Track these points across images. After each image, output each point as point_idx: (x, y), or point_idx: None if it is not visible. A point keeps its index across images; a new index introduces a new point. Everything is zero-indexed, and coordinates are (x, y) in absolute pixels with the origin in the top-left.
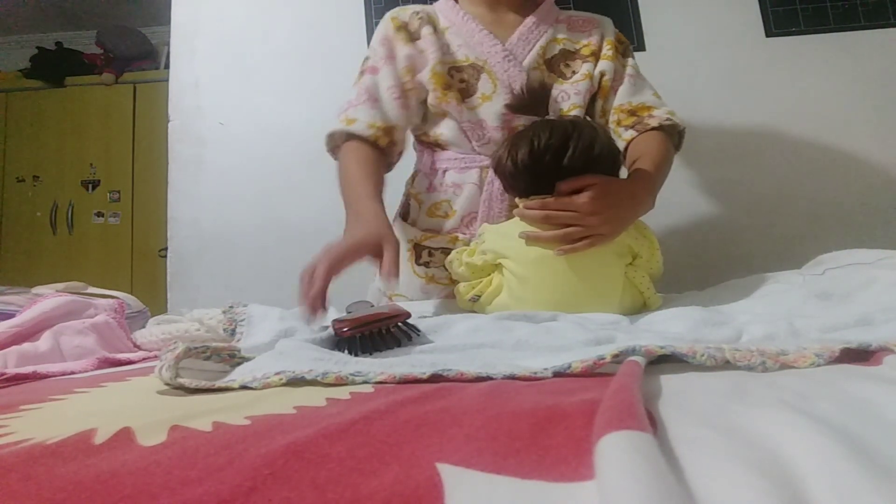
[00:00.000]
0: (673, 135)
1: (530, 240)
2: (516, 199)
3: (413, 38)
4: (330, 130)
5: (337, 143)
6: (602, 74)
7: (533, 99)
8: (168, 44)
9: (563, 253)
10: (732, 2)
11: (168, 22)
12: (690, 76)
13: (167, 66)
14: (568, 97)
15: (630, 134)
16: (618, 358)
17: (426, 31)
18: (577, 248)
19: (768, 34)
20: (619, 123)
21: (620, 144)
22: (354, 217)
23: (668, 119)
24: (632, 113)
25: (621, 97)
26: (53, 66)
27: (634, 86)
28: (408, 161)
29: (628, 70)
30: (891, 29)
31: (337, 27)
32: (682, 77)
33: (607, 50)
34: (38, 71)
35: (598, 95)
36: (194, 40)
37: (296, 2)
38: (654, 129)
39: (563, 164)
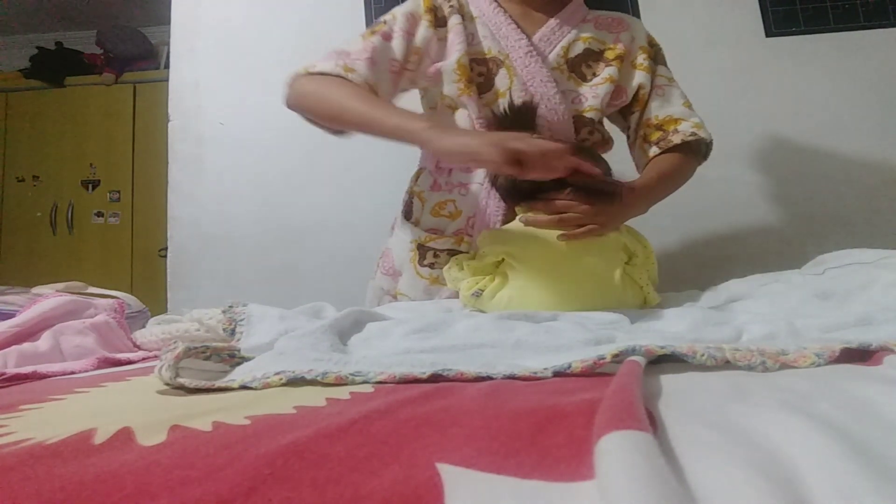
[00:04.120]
0: (698, 149)
1: (529, 223)
2: (518, 207)
3: (439, 23)
4: (322, 69)
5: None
6: (640, 87)
7: (517, 119)
8: (168, 44)
9: (565, 238)
10: (732, 2)
11: (168, 22)
12: (691, 76)
13: (167, 66)
14: (586, 100)
15: (654, 151)
16: (618, 358)
17: (455, 20)
18: (576, 235)
19: (768, 34)
20: (645, 139)
21: (643, 161)
22: (435, 125)
23: (692, 134)
24: (658, 127)
25: (651, 110)
26: (53, 66)
27: (664, 97)
28: (411, 160)
29: (659, 80)
30: (891, 29)
31: (337, 27)
32: (682, 77)
33: (642, 59)
34: (38, 71)
35: (634, 107)
36: (194, 40)
37: (296, 2)
38: (676, 146)
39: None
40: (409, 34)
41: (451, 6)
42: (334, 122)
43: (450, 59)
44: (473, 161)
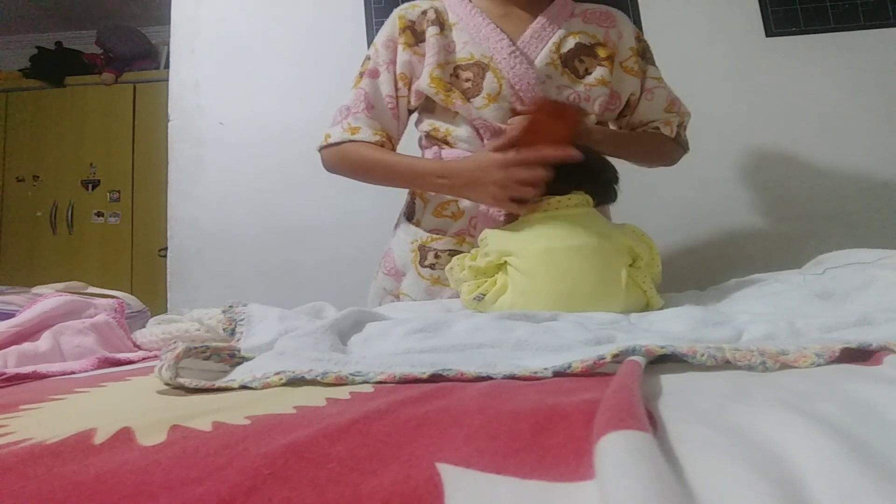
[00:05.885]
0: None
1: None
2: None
3: (418, 39)
4: (335, 140)
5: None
6: (631, 94)
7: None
8: (168, 44)
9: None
10: (732, 2)
11: (168, 22)
12: (690, 76)
13: (167, 66)
14: (579, 100)
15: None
16: (618, 358)
17: (432, 31)
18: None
19: (768, 34)
20: None
21: None
22: (446, 168)
23: (655, 128)
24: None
25: (638, 114)
26: (53, 66)
27: (651, 101)
28: None
29: (649, 82)
30: (891, 29)
31: (337, 27)
32: (682, 77)
33: (632, 63)
34: (38, 71)
35: (625, 111)
36: (194, 40)
37: (296, 2)
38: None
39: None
40: (393, 63)
41: (427, 19)
42: (370, 183)
43: (423, 75)
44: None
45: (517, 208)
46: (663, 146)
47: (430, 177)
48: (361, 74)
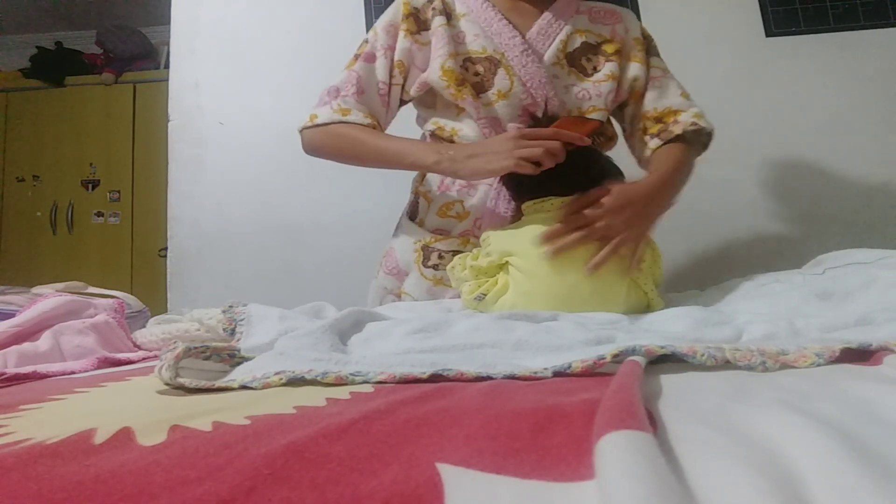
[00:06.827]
0: (698, 139)
1: (551, 241)
2: (524, 205)
3: (421, 28)
4: (322, 120)
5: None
6: (634, 80)
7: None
8: (168, 44)
9: (591, 270)
10: (732, 2)
11: (168, 22)
12: (690, 76)
13: (167, 66)
14: (589, 97)
15: (655, 143)
16: (618, 358)
17: (438, 21)
18: (603, 259)
19: (768, 34)
20: (645, 132)
21: (646, 153)
22: (445, 155)
23: (693, 124)
24: (658, 120)
25: (648, 103)
26: (53, 66)
27: (660, 88)
28: None
29: (654, 71)
30: (891, 29)
31: (337, 27)
32: (682, 77)
33: (636, 52)
34: (38, 71)
35: (629, 101)
36: (194, 40)
37: (296, 2)
38: (678, 136)
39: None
40: (391, 49)
41: (433, 8)
42: (356, 165)
43: (433, 67)
44: (494, 176)
45: (525, 167)
46: (688, 160)
47: (431, 151)
48: (357, 57)
